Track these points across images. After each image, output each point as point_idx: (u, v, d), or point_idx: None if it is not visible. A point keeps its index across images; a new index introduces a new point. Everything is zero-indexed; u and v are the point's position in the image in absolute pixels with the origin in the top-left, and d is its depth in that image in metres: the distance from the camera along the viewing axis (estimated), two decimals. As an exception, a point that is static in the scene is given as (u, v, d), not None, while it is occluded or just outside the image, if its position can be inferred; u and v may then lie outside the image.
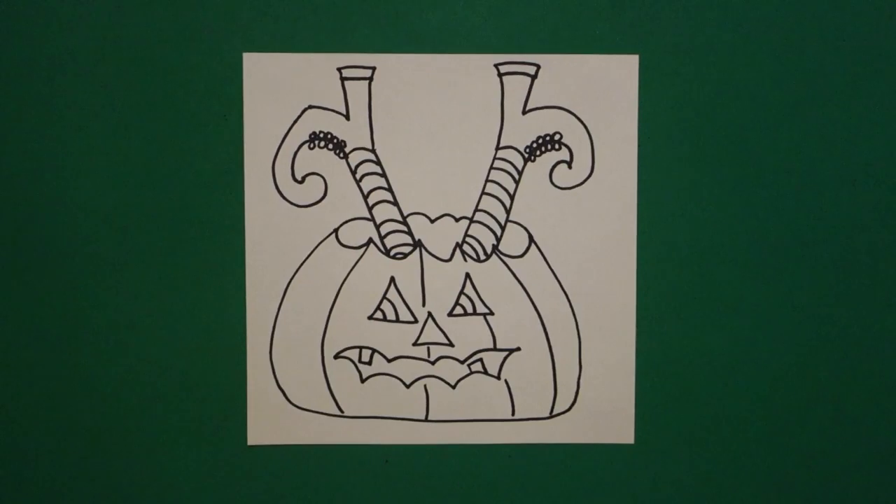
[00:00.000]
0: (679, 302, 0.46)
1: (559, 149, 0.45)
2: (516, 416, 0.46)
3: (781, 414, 0.46)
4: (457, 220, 0.46)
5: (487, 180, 0.46)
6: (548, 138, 0.45)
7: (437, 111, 0.45)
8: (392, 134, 0.45)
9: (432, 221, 0.46)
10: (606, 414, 0.46)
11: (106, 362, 0.45)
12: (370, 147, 0.45)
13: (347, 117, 0.45)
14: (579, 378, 0.46)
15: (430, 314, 0.46)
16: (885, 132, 0.45)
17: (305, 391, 0.46)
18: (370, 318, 0.46)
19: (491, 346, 0.46)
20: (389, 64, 0.45)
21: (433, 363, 0.46)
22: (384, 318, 0.46)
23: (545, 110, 0.45)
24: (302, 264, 0.45)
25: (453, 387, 0.46)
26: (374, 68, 0.45)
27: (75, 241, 0.45)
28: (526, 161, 0.45)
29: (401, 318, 0.46)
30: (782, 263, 0.45)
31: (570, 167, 0.46)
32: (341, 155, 0.45)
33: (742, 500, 0.46)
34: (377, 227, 0.46)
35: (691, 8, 0.45)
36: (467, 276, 0.46)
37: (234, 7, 0.44)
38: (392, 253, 0.46)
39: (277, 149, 0.45)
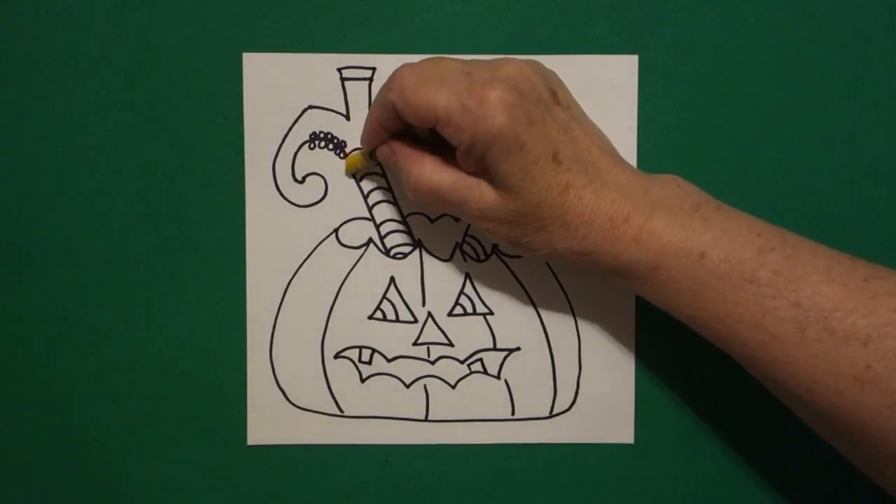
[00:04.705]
0: (679, 302, 0.46)
1: (559, 149, 0.45)
2: (516, 416, 0.46)
3: (782, 414, 0.46)
4: (456, 220, 0.46)
5: (487, 180, 0.46)
6: (547, 138, 0.45)
7: (436, 111, 0.45)
8: (392, 134, 0.45)
9: (432, 221, 0.46)
10: (606, 414, 0.46)
11: (105, 362, 0.46)
12: (370, 147, 0.45)
13: (347, 117, 0.45)
14: (579, 378, 0.46)
15: (429, 314, 0.46)
16: (886, 132, 0.45)
17: (305, 391, 0.46)
18: (370, 317, 0.46)
19: (491, 346, 0.46)
20: (389, 64, 0.45)
21: (433, 363, 0.46)
22: (384, 318, 0.46)
23: (545, 110, 0.45)
24: (302, 264, 0.46)
25: (453, 387, 0.46)
26: (374, 68, 0.45)
27: (75, 240, 0.45)
28: (526, 161, 0.45)
29: (401, 318, 0.46)
30: (782, 263, 0.45)
31: (569, 167, 0.45)
32: (342, 155, 0.45)
33: (742, 499, 0.46)
34: (377, 227, 0.46)
35: (691, 8, 0.45)
36: (467, 276, 0.46)
37: (234, 7, 0.44)
38: (392, 253, 0.46)
39: (277, 149, 0.45)
